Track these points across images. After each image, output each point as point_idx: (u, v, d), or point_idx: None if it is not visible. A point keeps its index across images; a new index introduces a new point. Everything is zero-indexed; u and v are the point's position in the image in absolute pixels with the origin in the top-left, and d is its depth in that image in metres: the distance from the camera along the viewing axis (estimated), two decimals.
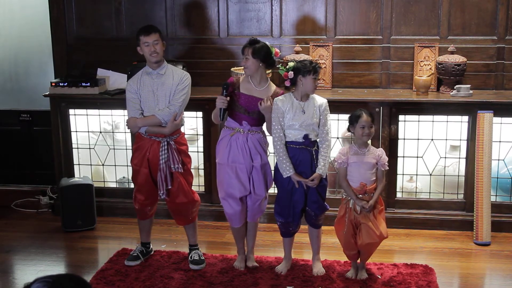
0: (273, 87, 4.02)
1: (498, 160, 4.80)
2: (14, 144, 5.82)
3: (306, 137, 3.86)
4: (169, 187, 4.06)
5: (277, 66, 4.27)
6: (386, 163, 3.91)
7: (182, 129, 4.19)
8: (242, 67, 3.99)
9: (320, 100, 3.92)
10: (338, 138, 4.87)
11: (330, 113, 3.96)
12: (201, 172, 5.08)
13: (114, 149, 5.20)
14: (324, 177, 3.91)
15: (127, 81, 4.89)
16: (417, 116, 4.80)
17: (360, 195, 3.86)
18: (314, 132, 3.87)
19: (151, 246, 4.40)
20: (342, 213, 3.95)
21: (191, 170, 4.24)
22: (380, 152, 3.92)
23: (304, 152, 3.88)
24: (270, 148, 4.83)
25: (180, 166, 4.04)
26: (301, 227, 4.11)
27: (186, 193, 4.11)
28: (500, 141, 4.76)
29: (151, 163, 4.07)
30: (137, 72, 4.16)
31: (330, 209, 4.03)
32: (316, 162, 3.88)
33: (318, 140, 3.92)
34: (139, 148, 4.12)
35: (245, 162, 3.94)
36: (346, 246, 3.96)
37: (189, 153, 4.20)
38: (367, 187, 3.86)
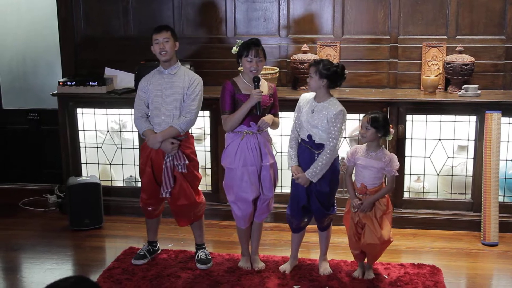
0: (265, 82, 4.01)
1: (506, 160, 4.78)
2: (22, 143, 5.84)
3: (309, 137, 3.83)
4: (172, 185, 4.05)
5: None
6: (395, 170, 3.81)
7: (190, 131, 4.19)
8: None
9: (334, 107, 3.77)
10: (345, 137, 4.86)
11: None
12: (208, 172, 5.09)
13: (121, 148, 5.22)
14: (314, 181, 3.80)
15: (134, 80, 4.90)
16: (425, 116, 4.78)
17: (361, 195, 3.86)
18: (319, 136, 3.81)
19: (158, 245, 4.40)
20: (347, 209, 3.98)
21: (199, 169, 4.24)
22: (388, 158, 3.80)
23: (307, 152, 3.86)
24: (277, 147, 4.84)
25: (184, 163, 4.02)
26: (309, 227, 4.11)
27: (188, 195, 4.08)
28: (508, 141, 4.74)
29: (153, 163, 4.07)
30: (150, 72, 4.16)
31: (337, 208, 4.02)
32: None
33: None
34: (144, 147, 4.15)
35: (256, 163, 3.94)
36: (349, 244, 3.97)
37: (196, 153, 4.18)
38: (367, 189, 3.84)
